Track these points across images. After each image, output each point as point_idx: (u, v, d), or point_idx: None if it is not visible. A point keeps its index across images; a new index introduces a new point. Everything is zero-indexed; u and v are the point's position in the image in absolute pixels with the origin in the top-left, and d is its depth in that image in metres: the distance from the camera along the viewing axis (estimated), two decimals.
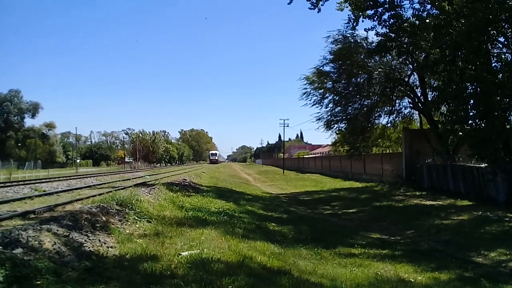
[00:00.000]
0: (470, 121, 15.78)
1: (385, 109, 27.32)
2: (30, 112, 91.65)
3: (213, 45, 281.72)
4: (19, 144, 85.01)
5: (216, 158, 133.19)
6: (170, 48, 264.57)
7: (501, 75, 15.29)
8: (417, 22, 17.74)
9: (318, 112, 28.24)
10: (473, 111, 15.83)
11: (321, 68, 26.98)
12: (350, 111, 26.96)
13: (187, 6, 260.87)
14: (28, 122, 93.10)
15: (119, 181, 24.83)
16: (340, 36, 25.06)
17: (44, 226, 6.29)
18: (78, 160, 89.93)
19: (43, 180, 24.71)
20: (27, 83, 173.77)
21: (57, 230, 6.29)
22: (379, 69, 24.36)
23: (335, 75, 26.63)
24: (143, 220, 9.05)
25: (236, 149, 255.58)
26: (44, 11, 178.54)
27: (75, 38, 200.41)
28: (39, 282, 4.38)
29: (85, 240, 6.41)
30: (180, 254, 6.43)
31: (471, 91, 15.75)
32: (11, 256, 4.74)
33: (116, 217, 8.56)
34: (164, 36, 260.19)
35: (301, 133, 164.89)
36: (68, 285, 4.45)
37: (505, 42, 15.81)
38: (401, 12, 19.06)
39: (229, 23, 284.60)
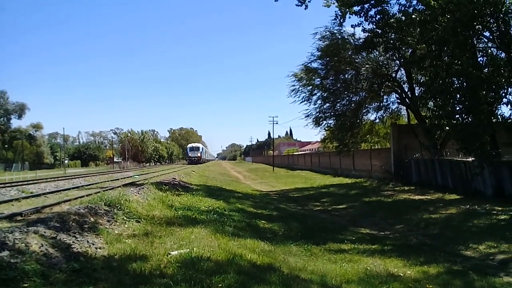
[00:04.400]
0: (456, 116, 15.92)
1: (373, 105, 27.51)
2: (17, 113, 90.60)
3: (201, 42, 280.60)
4: (6, 146, 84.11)
5: (198, 155, 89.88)
6: (158, 46, 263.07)
7: (486, 69, 15.45)
8: (403, 17, 17.84)
9: (307, 109, 28.24)
10: (459, 105, 15.98)
11: (309, 64, 26.93)
12: (338, 107, 27.01)
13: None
14: (15, 123, 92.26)
15: (108, 181, 24.63)
16: (328, 33, 25.08)
17: (31, 228, 6.21)
18: (66, 161, 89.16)
19: (31, 182, 24.37)
20: (13, 84, 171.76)
21: (44, 232, 6.22)
22: (367, 65, 24.45)
23: (323, 71, 26.58)
24: (132, 220, 8.98)
25: (226, 147, 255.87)
26: (29, 8, 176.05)
27: (62, 35, 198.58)
28: (26, 285, 4.33)
29: (73, 242, 6.33)
30: (169, 254, 6.39)
31: (457, 85, 15.88)
32: None
33: (104, 218, 8.48)
34: (152, 35, 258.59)
35: (290, 130, 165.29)
36: (55, 287, 4.39)
37: (491, 37, 15.96)
38: (387, 8, 19.16)
39: (216, 17, 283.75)
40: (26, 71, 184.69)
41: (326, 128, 29.52)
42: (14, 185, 20.99)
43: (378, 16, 19.08)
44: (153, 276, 5.29)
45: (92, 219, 7.98)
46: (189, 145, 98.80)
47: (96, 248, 6.42)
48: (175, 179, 23.95)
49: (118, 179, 26.67)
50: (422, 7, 16.76)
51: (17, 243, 5.41)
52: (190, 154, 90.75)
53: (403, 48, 21.35)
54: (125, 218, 8.96)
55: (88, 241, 6.59)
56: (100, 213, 8.69)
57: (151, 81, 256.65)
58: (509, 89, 14.90)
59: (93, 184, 21.89)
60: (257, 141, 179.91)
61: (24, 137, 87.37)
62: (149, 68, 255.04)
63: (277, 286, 5.56)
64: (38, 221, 7.12)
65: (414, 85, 23.91)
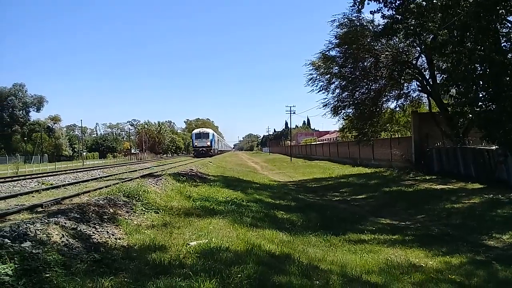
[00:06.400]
0: (480, 103, 15.53)
1: (393, 93, 27.03)
2: (35, 106, 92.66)
3: (218, 33, 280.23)
4: (25, 138, 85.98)
5: (208, 144, 63.44)
6: (175, 37, 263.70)
7: (510, 55, 14.99)
8: (424, 3, 17.38)
9: (325, 98, 28.05)
10: (482, 92, 15.59)
11: (326, 53, 26.54)
12: (357, 96, 26.69)
13: None
14: (33, 116, 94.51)
15: (126, 172, 24.84)
16: (346, 20, 24.63)
17: (52, 219, 6.29)
18: (84, 153, 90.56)
19: (50, 174, 24.76)
20: (31, 77, 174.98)
21: (65, 223, 6.29)
22: (386, 52, 23.98)
23: (341, 59, 26.19)
24: (151, 211, 9.05)
25: (243, 138, 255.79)
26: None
27: (79, 25, 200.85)
28: (48, 275, 4.36)
29: (93, 232, 6.41)
30: (188, 244, 6.40)
31: (480, 72, 15.46)
32: (20, 249, 4.74)
33: (123, 209, 8.57)
34: (171, 26, 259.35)
35: (308, 119, 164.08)
36: (77, 277, 4.44)
37: None
38: None
39: (233, 8, 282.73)
40: (44, 62, 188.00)
41: (345, 117, 29.18)
42: (34, 177, 21.32)
43: (398, 2, 18.67)
44: (173, 266, 5.30)
45: (111, 210, 8.06)
46: (195, 131, 69.96)
47: (115, 238, 6.47)
48: (192, 170, 24.08)
49: (136, 170, 26.91)
50: None
51: (39, 234, 5.48)
52: (196, 143, 64.44)
53: (424, 34, 20.79)
54: (143, 209, 9.04)
55: (107, 232, 6.65)
56: (119, 204, 8.78)
57: (168, 72, 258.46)
58: None
59: (111, 175, 22.10)
60: (274, 131, 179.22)
61: (43, 129, 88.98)
62: (166, 59, 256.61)
63: (296, 276, 5.51)
64: (58, 212, 7.23)
65: (436, 72, 23.35)
